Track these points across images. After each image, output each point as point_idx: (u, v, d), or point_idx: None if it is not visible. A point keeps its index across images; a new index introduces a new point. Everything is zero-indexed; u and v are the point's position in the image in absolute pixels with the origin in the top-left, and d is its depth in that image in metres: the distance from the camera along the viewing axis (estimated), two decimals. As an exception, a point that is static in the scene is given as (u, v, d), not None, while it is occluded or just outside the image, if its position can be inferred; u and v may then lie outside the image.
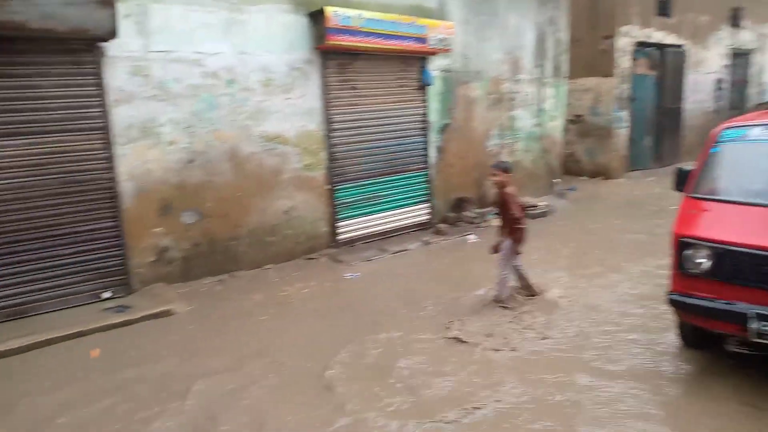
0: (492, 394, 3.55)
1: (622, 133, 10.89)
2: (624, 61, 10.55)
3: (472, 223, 7.65)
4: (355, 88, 6.66)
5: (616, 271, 5.65)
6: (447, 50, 7.02)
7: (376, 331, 4.50)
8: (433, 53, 7.04)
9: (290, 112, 6.09)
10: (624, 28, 10.42)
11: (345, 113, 6.60)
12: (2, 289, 4.79)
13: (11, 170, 4.71)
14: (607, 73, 10.49)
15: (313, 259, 6.40)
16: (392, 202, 7.22)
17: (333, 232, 6.67)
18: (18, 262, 4.85)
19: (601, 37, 10.45)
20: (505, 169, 4.92)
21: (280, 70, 5.98)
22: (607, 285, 5.32)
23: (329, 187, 6.54)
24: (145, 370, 4.01)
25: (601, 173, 10.89)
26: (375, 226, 7.08)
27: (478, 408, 3.41)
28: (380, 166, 7.04)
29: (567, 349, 4.11)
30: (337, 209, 6.69)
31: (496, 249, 4.93)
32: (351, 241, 6.84)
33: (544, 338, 4.28)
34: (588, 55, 10.48)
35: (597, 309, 4.78)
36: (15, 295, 4.85)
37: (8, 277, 4.81)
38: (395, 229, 7.26)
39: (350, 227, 6.85)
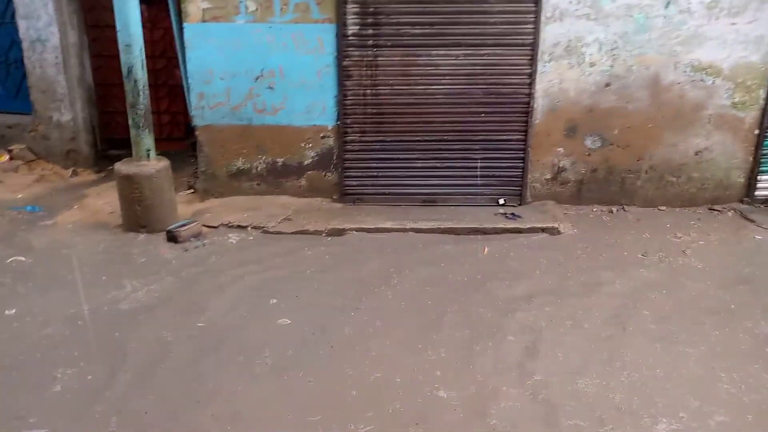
0: None
1: None
2: None
3: None
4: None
5: None
6: None
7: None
8: None
9: (732, 39, 5.26)
10: None
11: (806, 45, 5.36)
12: (424, 179, 5.66)
13: (450, 77, 5.37)
14: None
15: (716, 210, 5.66)
16: (844, 163, 5.73)
17: (750, 185, 5.72)
18: (438, 158, 5.62)
19: None
20: None
21: (732, -12, 5.16)
22: None
23: (759, 131, 5.55)
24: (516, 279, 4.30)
25: None
26: (808, 189, 5.79)
27: None
28: (839, 116, 5.60)
29: None
30: (763, 159, 5.66)
31: None
32: (770, 200, 5.78)
33: None
34: None
35: None
36: (431, 185, 5.68)
37: (430, 170, 5.64)
38: (838, 196, 5.80)
39: (774, 183, 5.76)
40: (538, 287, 4.11)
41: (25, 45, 6.25)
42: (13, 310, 3.68)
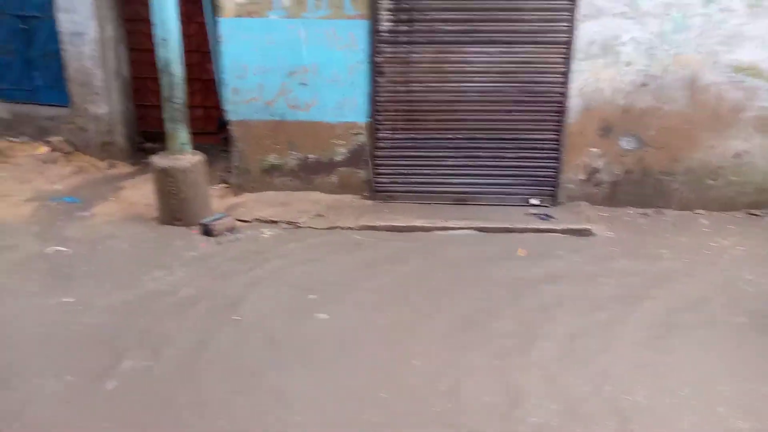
0: None
1: None
2: None
3: None
4: None
5: None
6: None
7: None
8: None
9: (775, 38, 5.14)
10: None
11: None
12: (455, 178, 5.63)
13: (484, 74, 5.33)
14: None
15: (755, 215, 5.53)
16: None
17: (790, 190, 5.59)
18: (470, 157, 5.57)
19: None
20: None
21: (779, -16, 5.02)
22: None
23: (802, 134, 5.41)
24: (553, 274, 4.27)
25: None
26: None
27: None
28: None
29: None
30: (805, 163, 5.52)
31: None
32: (812, 205, 5.62)
33: None
34: None
35: None
36: (462, 184, 5.64)
37: (461, 168, 5.61)
38: None
39: (816, 188, 5.60)
40: (570, 289, 4.07)
41: (64, 38, 6.38)
42: (72, 299, 3.78)
